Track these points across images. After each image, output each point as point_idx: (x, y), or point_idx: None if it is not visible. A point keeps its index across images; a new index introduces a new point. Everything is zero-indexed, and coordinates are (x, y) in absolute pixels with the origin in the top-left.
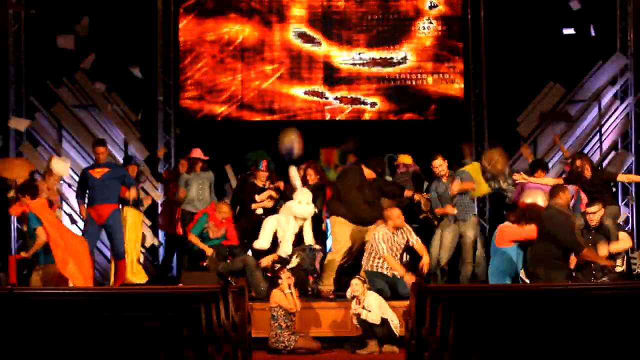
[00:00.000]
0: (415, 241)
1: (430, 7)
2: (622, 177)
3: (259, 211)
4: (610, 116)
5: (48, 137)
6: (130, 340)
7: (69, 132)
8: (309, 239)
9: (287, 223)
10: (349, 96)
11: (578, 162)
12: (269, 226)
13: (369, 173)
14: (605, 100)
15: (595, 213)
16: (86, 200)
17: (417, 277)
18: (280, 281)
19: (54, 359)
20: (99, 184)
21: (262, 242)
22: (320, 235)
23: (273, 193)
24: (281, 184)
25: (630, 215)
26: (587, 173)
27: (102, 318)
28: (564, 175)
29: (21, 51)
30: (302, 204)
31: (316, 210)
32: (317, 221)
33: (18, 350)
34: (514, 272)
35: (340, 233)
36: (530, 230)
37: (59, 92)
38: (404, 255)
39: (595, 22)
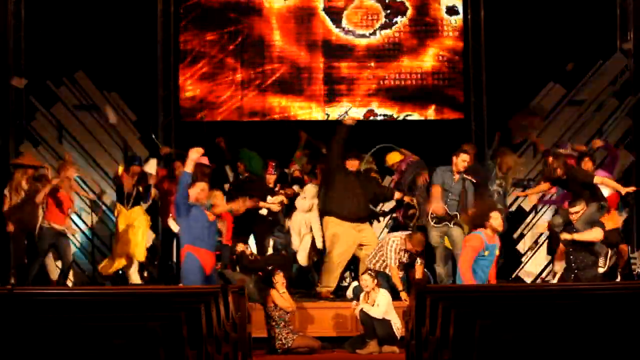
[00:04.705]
0: (421, 262)
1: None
2: (597, 180)
3: (263, 211)
4: (610, 116)
5: (48, 137)
6: (130, 340)
7: (69, 132)
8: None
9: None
10: (349, 96)
11: (550, 160)
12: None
13: (352, 164)
14: (605, 100)
15: (579, 213)
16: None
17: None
18: (275, 282)
19: (54, 359)
20: None
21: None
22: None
23: (284, 199)
24: (291, 191)
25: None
26: (560, 172)
27: (102, 318)
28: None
29: (21, 51)
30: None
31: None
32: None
33: (18, 350)
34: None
35: (333, 232)
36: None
37: (59, 92)
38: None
39: (595, 22)
